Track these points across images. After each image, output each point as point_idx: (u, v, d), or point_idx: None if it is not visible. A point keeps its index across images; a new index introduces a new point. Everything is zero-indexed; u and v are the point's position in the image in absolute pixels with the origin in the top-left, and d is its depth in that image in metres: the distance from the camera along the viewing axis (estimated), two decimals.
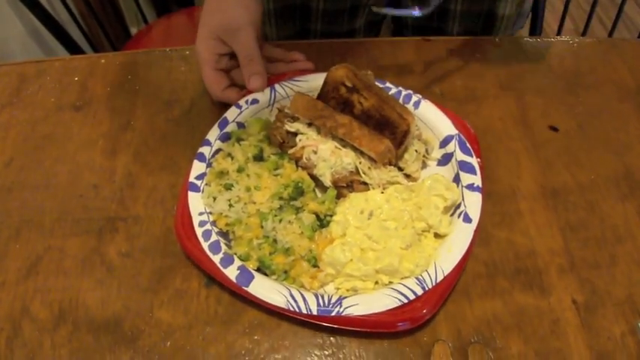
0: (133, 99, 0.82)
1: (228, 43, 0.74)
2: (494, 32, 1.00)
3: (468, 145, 0.70)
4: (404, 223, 0.64)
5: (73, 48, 1.34)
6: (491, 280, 0.63)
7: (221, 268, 0.60)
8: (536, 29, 1.24)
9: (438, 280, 0.59)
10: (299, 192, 0.66)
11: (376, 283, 0.61)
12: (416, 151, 0.70)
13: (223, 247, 0.62)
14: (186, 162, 0.73)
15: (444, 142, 0.72)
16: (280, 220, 0.64)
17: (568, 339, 0.59)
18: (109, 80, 0.85)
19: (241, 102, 0.75)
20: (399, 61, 0.86)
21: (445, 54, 0.87)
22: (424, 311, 0.58)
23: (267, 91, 0.76)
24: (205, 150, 0.70)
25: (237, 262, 0.61)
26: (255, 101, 0.75)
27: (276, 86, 0.77)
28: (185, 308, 0.61)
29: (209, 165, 0.69)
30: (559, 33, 1.40)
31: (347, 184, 0.68)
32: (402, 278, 0.61)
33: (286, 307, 0.58)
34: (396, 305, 0.58)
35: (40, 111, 0.81)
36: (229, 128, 0.73)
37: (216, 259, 0.61)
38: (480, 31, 1.00)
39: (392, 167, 0.68)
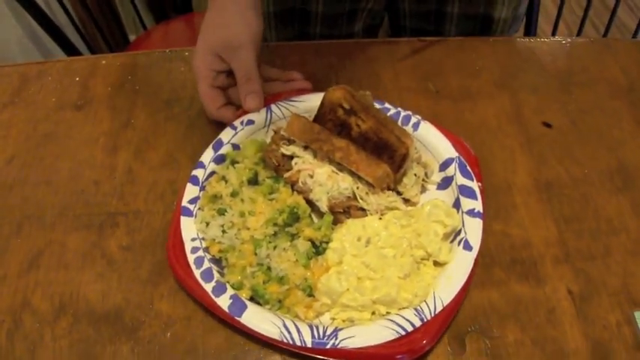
0: (133, 98, 0.83)
1: (226, 60, 0.72)
2: (490, 35, 1.02)
3: (468, 168, 0.68)
4: (402, 251, 0.62)
5: (72, 52, 1.35)
6: (488, 270, 0.64)
7: (213, 297, 0.59)
8: (530, 32, 1.26)
9: (437, 311, 0.57)
10: (294, 218, 0.64)
11: (373, 313, 0.60)
12: (415, 174, 0.69)
13: (216, 275, 0.60)
14: (185, 159, 0.75)
15: (444, 165, 0.70)
16: (275, 247, 0.62)
17: (564, 327, 0.59)
18: (110, 81, 0.86)
19: (236, 123, 0.73)
20: (395, 61, 0.87)
21: (440, 54, 0.89)
22: (424, 342, 0.56)
23: (263, 111, 0.75)
24: (199, 173, 0.69)
25: (230, 291, 0.59)
26: (250, 122, 0.74)
27: (272, 106, 0.75)
28: (185, 300, 0.62)
29: (202, 188, 0.68)
30: (553, 35, 1.42)
31: (344, 210, 0.66)
32: (399, 309, 0.59)
33: (280, 339, 0.56)
34: (393, 337, 0.56)
35: (42, 110, 0.82)
36: (224, 150, 0.71)
37: (209, 287, 0.59)
38: (477, 34, 1.01)
39: (390, 192, 0.67)
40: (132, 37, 1.91)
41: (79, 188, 0.73)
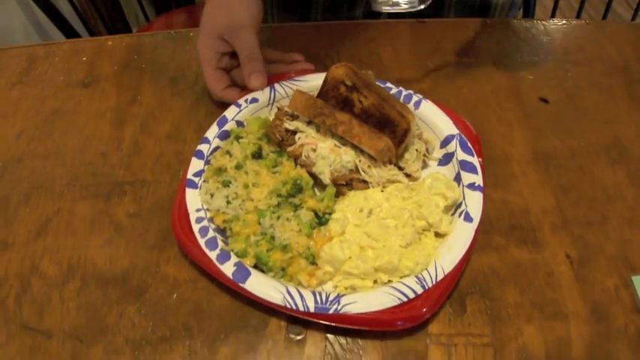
0: (139, 76, 0.85)
1: (229, 41, 0.74)
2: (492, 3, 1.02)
3: (469, 144, 0.69)
4: (404, 222, 0.63)
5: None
6: (487, 236, 0.65)
7: (217, 264, 0.59)
8: (528, 16, 1.27)
9: (438, 279, 0.58)
10: (297, 189, 0.65)
11: (375, 282, 0.61)
12: (416, 150, 0.70)
13: (220, 244, 0.61)
14: (191, 132, 0.77)
15: (445, 142, 0.71)
16: (278, 217, 0.63)
17: (562, 290, 0.61)
18: (116, 60, 0.88)
19: (241, 101, 0.75)
20: (394, 41, 0.89)
21: (439, 35, 0.91)
22: (424, 310, 0.57)
23: (267, 90, 0.76)
24: (204, 147, 0.70)
25: (234, 259, 0.60)
26: (254, 100, 0.75)
27: (276, 85, 0.77)
28: (190, 264, 0.63)
29: (207, 162, 0.69)
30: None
31: (346, 182, 0.67)
32: (401, 277, 0.60)
33: (283, 305, 0.57)
34: (395, 304, 0.57)
35: (50, 88, 0.84)
36: (228, 126, 0.72)
37: (213, 255, 0.60)
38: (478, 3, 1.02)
39: (392, 166, 0.68)
40: (134, 30, 1.93)
41: (86, 160, 0.74)
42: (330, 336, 0.58)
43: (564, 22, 0.93)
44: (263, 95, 0.76)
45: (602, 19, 1.39)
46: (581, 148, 0.75)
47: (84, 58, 0.88)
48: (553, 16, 1.41)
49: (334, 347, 0.57)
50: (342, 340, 0.58)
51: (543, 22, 0.94)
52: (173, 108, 0.80)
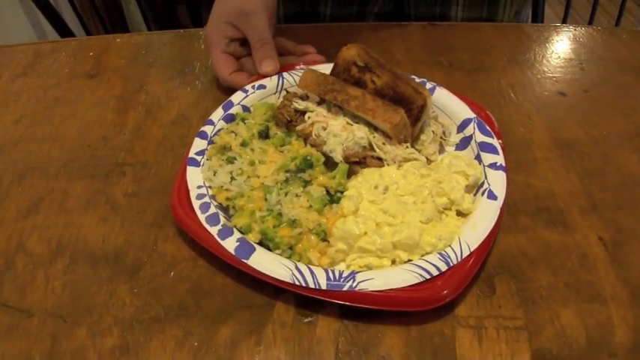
0: (146, 69, 0.83)
1: (240, 27, 0.72)
2: (497, 20, 1.01)
3: (487, 127, 0.66)
4: (423, 198, 0.58)
5: None
6: (513, 217, 0.61)
7: (219, 239, 0.54)
8: (537, 20, 1.26)
9: (464, 256, 0.53)
10: (307, 164, 0.60)
11: (393, 262, 0.55)
12: (433, 132, 0.66)
13: (222, 220, 0.56)
14: (197, 118, 0.74)
15: (462, 126, 0.67)
16: (286, 194, 0.58)
17: (598, 272, 0.56)
18: (124, 55, 0.86)
19: (248, 87, 0.72)
20: (406, 41, 0.88)
21: (451, 36, 0.90)
22: (445, 292, 0.51)
23: (275, 78, 0.73)
24: (207, 129, 0.67)
25: (237, 235, 0.55)
26: (262, 87, 0.72)
27: (285, 74, 0.74)
28: (191, 242, 0.58)
29: (210, 142, 0.65)
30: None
31: (359, 160, 0.63)
32: (422, 255, 0.54)
33: (291, 282, 0.51)
34: (416, 281, 0.51)
35: (54, 79, 0.82)
36: (234, 110, 0.69)
37: (214, 230, 0.55)
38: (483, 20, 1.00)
39: (407, 145, 0.64)
40: None
41: (86, 143, 0.71)
42: (343, 317, 0.52)
43: (576, 27, 0.93)
44: (271, 82, 0.73)
45: (615, 26, 1.39)
46: (604, 137, 0.71)
47: (91, 54, 0.87)
48: (564, 21, 1.40)
49: (349, 329, 0.51)
50: (358, 322, 0.51)
51: (554, 26, 0.94)
52: (179, 96, 0.78)
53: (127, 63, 0.84)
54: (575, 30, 0.93)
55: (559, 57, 0.86)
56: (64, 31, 1.25)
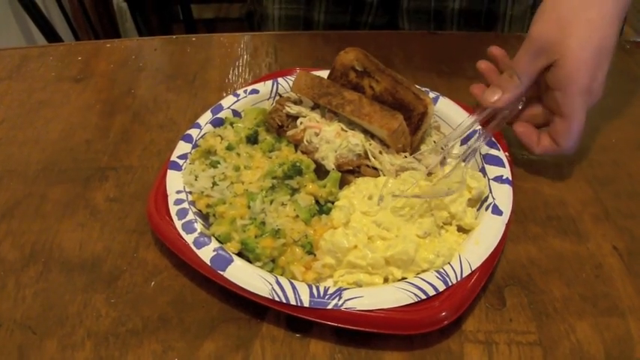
0: (135, 73, 0.80)
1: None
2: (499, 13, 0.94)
3: (492, 138, 0.61)
4: (421, 211, 0.53)
5: None
6: (522, 225, 0.57)
7: (194, 248, 0.49)
8: None
9: (464, 275, 0.47)
10: (296, 171, 0.56)
11: (386, 280, 0.50)
12: (434, 142, 0.62)
13: (199, 227, 0.51)
14: (186, 122, 0.70)
15: (466, 138, 0.63)
16: (271, 202, 0.53)
17: (615, 283, 0.52)
18: (113, 59, 0.84)
19: (239, 91, 0.69)
20: (405, 48, 0.86)
21: (452, 45, 0.88)
22: (443, 314, 0.45)
23: (269, 82, 0.70)
24: (193, 132, 0.63)
25: (214, 244, 0.50)
26: (254, 91, 0.69)
27: (279, 79, 0.70)
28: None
29: (195, 146, 0.61)
30: None
31: (353, 169, 0.58)
32: (418, 273, 0.49)
33: (270, 297, 0.46)
34: (410, 301, 0.46)
35: (39, 82, 0.79)
36: (223, 114, 0.65)
37: (190, 238, 0.50)
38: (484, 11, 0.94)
39: (406, 155, 0.59)
40: None
41: (68, 147, 0.67)
42: (340, 332, 0.47)
43: None
44: (264, 87, 0.70)
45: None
46: (612, 144, 0.68)
47: (79, 58, 0.84)
48: None
49: (347, 344, 0.46)
50: (356, 337, 0.46)
51: None
52: (169, 101, 0.74)
53: (116, 68, 0.81)
54: None
55: None
56: (54, 39, 1.23)
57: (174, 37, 0.89)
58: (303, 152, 0.60)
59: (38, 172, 0.64)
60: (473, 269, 0.48)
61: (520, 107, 0.63)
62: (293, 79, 0.70)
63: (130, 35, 1.92)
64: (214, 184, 0.55)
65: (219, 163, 0.57)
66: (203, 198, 0.55)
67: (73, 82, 0.79)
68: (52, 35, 1.25)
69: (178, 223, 0.52)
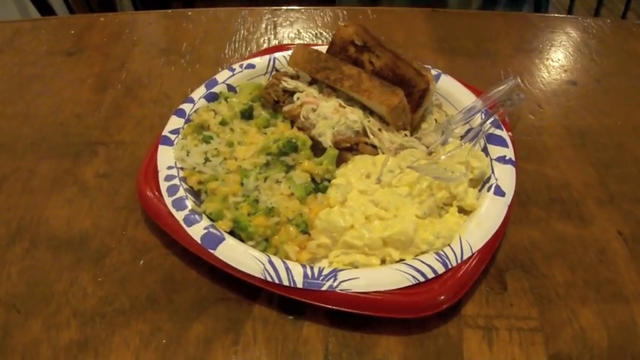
0: (129, 47, 0.78)
1: None
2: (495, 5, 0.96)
3: (496, 117, 0.59)
4: (421, 190, 0.51)
5: None
6: (524, 208, 0.55)
7: (184, 226, 0.48)
8: (540, 9, 1.20)
9: (465, 258, 0.46)
10: (291, 147, 0.53)
11: (383, 261, 0.48)
12: (435, 120, 0.60)
13: (190, 205, 0.50)
14: (180, 98, 0.68)
15: (468, 116, 0.60)
16: (266, 179, 0.52)
17: (619, 269, 0.50)
18: (107, 33, 0.81)
19: (235, 65, 0.66)
20: (408, 25, 0.84)
21: (454, 23, 0.86)
22: (441, 298, 0.44)
23: (266, 57, 0.67)
24: (186, 107, 0.61)
25: (205, 222, 0.48)
26: (251, 66, 0.66)
27: (277, 54, 0.68)
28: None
29: (188, 121, 0.59)
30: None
31: (351, 146, 0.56)
32: (417, 255, 0.47)
33: (262, 277, 0.44)
34: (408, 284, 0.44)
35: (30, 56, 0.77)
36: (217, 89, 0.63)
37: (180, 215, 0.48)
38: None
39: (406, 133, 0.58)
40: None
41: (58, 121, 0.65)
42: (334, 314, 0.45)
43: (585, 19, 0.88)
44: (261, 61, 0.67)
45: (621, 18, 1.33)
46: (618, 127, 0.66)
47: (72, 32, 0.82)
48: (570, 13, 1.35)
49: (340, 328, 0.44)
50: (351, 320, 0.45)
51: (560, 17, 0.89)
52: (162, 75, 0.72)
53: (110, 41, 0.79)
54: (583, 21, 0.88)
55: (568, 47, 0.81)
56: (48, 13, 1.20)
57: (169, 11, 0.86)
58: (299, 128, 0.58)
59: (27, 146, 0.62)
60: (473, 252, 0.46)
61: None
62: (289, 53, 0.68)
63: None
64: (207, 160, 0.54)
65: (212, 138, 0.55)
66: (195, 174, 0.53)
67: (65, 55, 0.76)
68: (46, 9, 1.22)
69: (168, 200, 0.50)
